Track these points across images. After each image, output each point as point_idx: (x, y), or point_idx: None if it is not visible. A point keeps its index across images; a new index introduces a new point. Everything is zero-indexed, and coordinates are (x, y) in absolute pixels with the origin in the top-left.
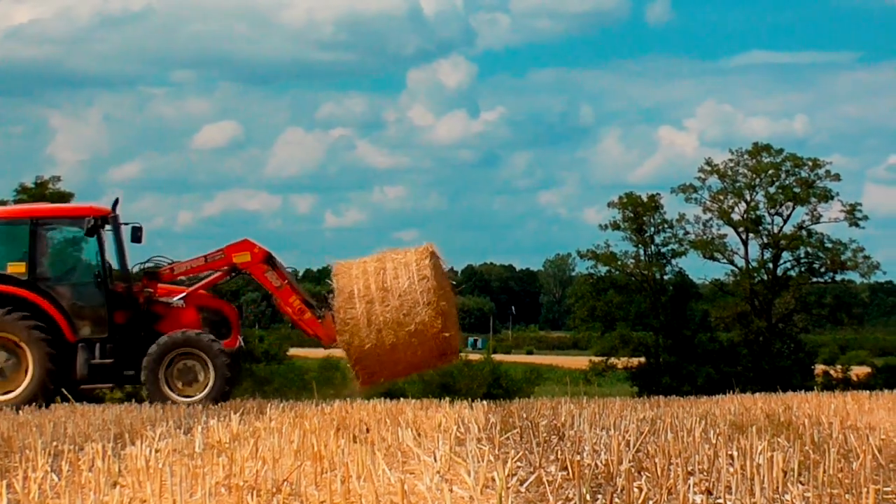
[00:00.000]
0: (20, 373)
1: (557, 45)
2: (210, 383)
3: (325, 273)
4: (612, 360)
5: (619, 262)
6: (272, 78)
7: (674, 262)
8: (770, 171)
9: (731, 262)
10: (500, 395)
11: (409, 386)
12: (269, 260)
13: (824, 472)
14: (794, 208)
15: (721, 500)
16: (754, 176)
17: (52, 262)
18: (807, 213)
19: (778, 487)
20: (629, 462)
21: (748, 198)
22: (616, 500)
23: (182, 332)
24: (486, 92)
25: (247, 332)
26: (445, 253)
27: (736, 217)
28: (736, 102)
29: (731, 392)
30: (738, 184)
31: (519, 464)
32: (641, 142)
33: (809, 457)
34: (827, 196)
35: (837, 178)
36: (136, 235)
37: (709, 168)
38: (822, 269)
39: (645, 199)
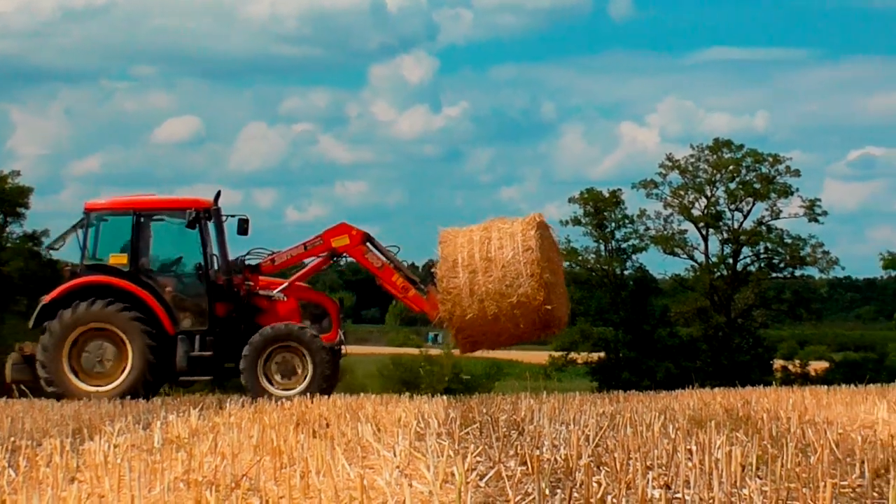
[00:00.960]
0: (120, 364)
1: (520, 40)
2: (308, 377)
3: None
4: (573, 355)
5: (580, 258)
6: (235, 73)
7: (634, 257)
8: (730, 167)
9: (692, 258)
10: (459, 390)
11: (369, 381)
12: (368, 240)
13: (782, 466)
14: (754, 204)
15: (679, 495)
16: (715, 171)
17: (154, 254)
18: (767, 209)
19: (736, 482)
20: (588, 457)
21: (708, 193)
22: (575, 494)
23: (282, 324)
24: (448, 87)
25: None
26: (407, 248)
27: (696, 212)
28: (697, 98)
29: (691, 387)
30: (698, 179)
31: (478, 458)
32: (603, 137)
33: (768, 451)
34: (787, 192)
35: (797, 173)
36: (243, 227)
37: (669, 164)
38: (782, 265)
39: (606, 195)
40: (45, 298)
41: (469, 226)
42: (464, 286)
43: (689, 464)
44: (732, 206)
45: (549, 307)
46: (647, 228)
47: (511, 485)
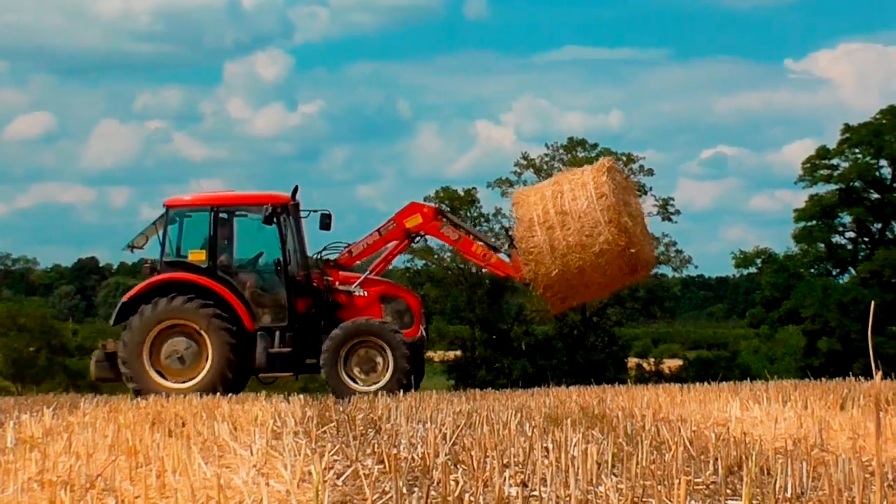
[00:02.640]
0: (200, 361)
1: (376, 38)
2: (389, 373)
3: (140, 266)
4: (429, 353)
5: (436, 256)
6: (87, 69)
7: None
8: (585, 166)
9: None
10: (316, 390)
11: None
12: (441, 215)
13: (637, 463)
14: None
15: (536, 493)
16: (569, 170)
17: (233, 250)
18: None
19: (592, 479)
20: (445, 455)
21: None
22: (432, 492)
23: (362, 319)
24: (304, 85)
25: (59, 325)
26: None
27: None
28: (552, 97)
29: (547, 385)
30: None
31: (336, 457)
32: (458, 136)
33: (623, 449)
34: (641, 190)
35: (651, 172)
36: (325, 223)
37: (525, 162)
38: None
39: (461, 194)
40: (126, 296)
41: (539, 183)
42: (543, 244)
43: (546, 461)
44: None
45: (633, 250)
46: (503, 227)
47: (368, 483)
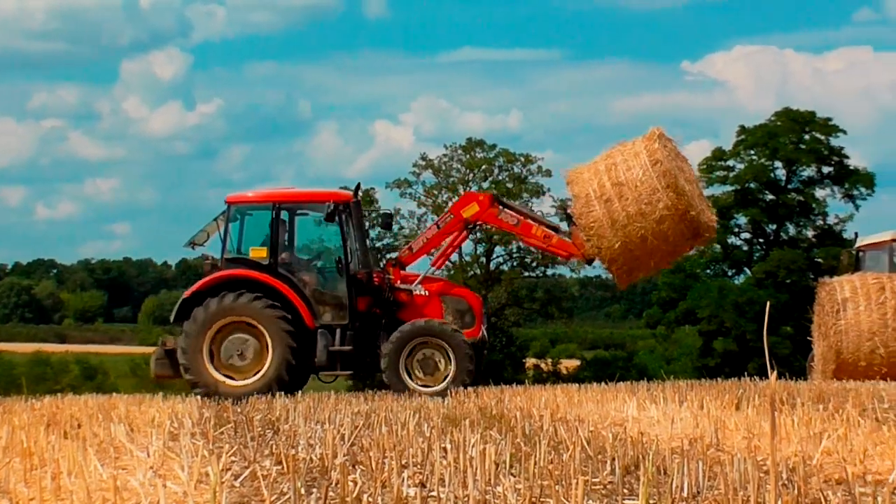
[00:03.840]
0: (260, 358)
1: (274, 37)
2: (451, 373)
3: (35, 266)
4: None
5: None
6: None
7: (388, 255)
8: (483, 167)
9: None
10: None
11: (122, 381)
12: (497, 202)
13: (535, 463)
14: None
15: (434, 493)
16: (468, 171)
17: (294, 248)
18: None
19: (490, 479)
20: (344, 456)
21: (462, 192)
22: (331, 493)
23: (424, 320)
24: (202, 84)
25: None
26: (159, 246)
27: None
28: (451, 98)
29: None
30: (451, 179)
31: (233, 458)
32: (357, 136)
33: (521, 449)
34: (539, 191)
35: (549, 174)
36: (387, 222)
37: (423, 163)
38: (534, 264)
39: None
40: (187, 293)
41: (592, 160)
42: (603, 217)
43: (444, 462)
44: None
45: (692, 213)
46: (401, 227)
47: (266, 484)
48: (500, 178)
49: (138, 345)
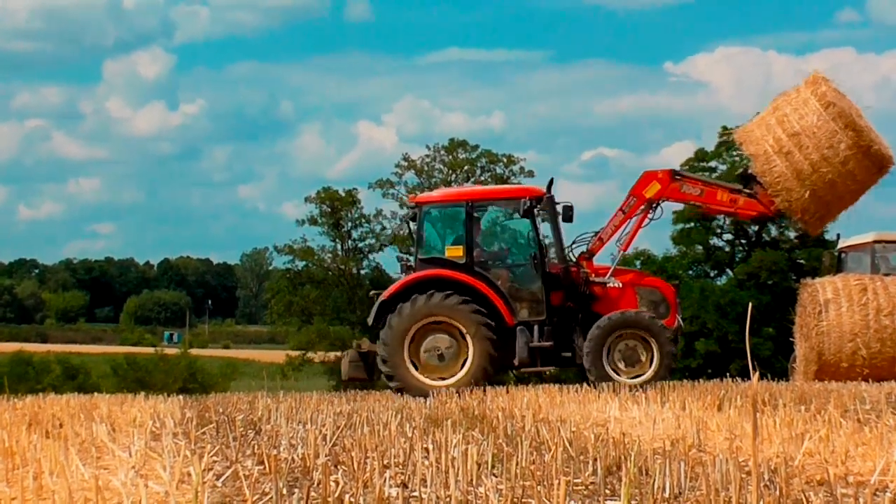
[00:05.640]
0: (460, 357)
1: (258, 38)
2: (655, 363)
3: (17, 266)
4: (310, 354)
5: (317, 257)
6: None
7: (371, 256)
8: (466, 167)
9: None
10: (196, 390)
11: (104, 380)
12: (677, 176)
13: (517, 464)
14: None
15: (416, 493)
16: (450, 171)
17: (489, 245)
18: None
19: (472, 479)
20: (326, 456)
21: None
22: (313, 493)
23: (623, 312)
24: (185, 84)
25: None
26: (139, 248)
27: None
28: (434, 99)
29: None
30: (434, 179)
31: (215, 458)
32: (340, 137)
33: (503, 449)
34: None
35: (532, 174)
36: (568, 215)
37: (406, 163)
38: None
39: (342, 194)
40: (384, 294)
41: (757, 116)
42: (786, 170)
43: (426, 462)
44: None
45: (876, 147)
46: (384, 228)
47: (248, 484)
48: (483, 178)
49: (120, 344)
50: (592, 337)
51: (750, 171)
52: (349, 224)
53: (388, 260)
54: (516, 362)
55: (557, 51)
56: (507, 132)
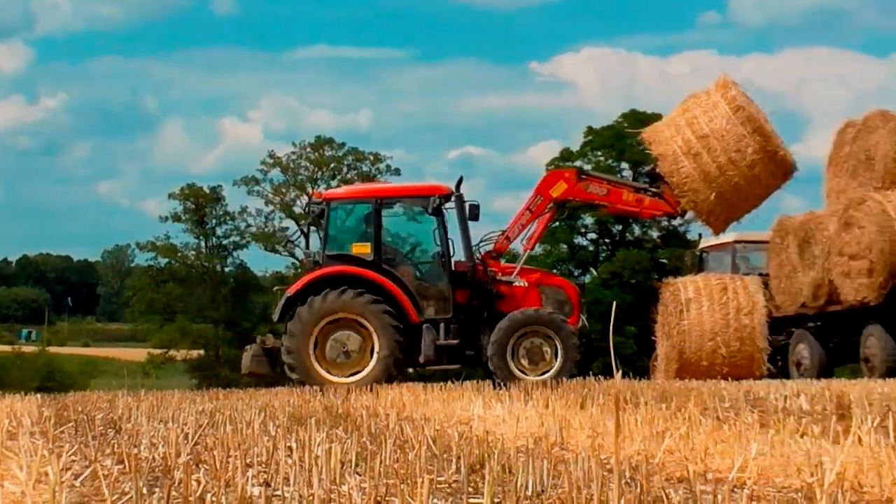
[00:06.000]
0: (365, 354)
1: (121, 32)
2: (559, 362)
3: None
4: (172, 352)
5: (180, 254)
6: None
7: (235, 254)
8: (332, 165)
9: (293, 255)
10: (54, 389)
11: None
12: (583, 175)
13: (381, 462)
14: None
15: (279, 492)
16: (316, 169)
17: (397, 243)
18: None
19: (336, 478)
20: (187, 455)
21: (310, 191)
22: (174, 493)
23: (527, 310)
24: (45, 78)
25: None
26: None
27: (298, 210)
28: (301, 96)
29: (291, 384)
30: (300, 177)
31: (74, 458)
32: (204, 133)
33: (367, 448)
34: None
35: (398, 172)
36: (473, 213)
37: (271, 161)
38: None
39: (207, 191)
40: (290, 290)
41: (666, 116)
42: (694, 172)
43: (290, 461)
44: None
45: (782, 152)
46: (249, 225)
47: (107, 484)
48: (349, 176)
49: None
50: (497, 335)
51: (657, 170)
52: (213, 221)
53: (252, 257)
54: (422, 360)
55: (425, 49)
56: (374, 130)
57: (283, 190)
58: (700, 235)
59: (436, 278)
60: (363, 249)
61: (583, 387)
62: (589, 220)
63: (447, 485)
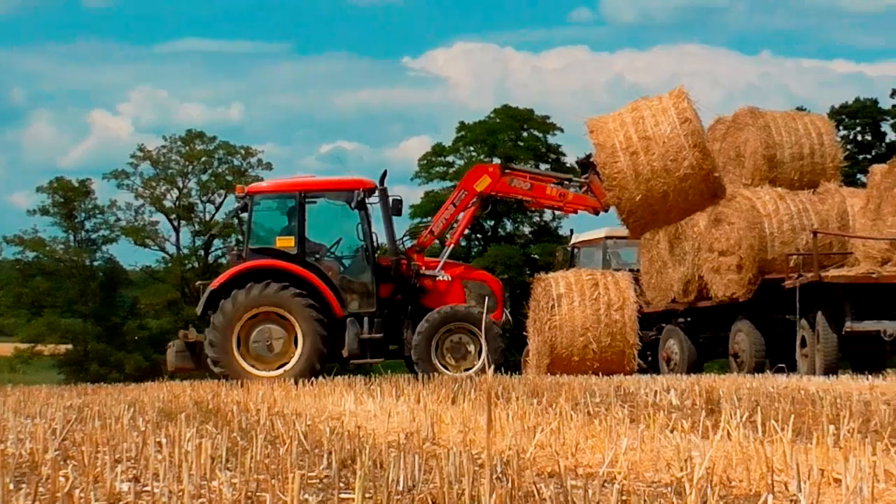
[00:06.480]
0: (289, 348)
1: None
2: (483, 356)
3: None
4: (39, 347)
5: (48, 248)
6: None
7: (104, 248)
8: (203, 159)
9: (163, 249)
10: None
11: None
12: (507, 169)
13: (252, 458)
14: (226, 196)
15: (148, 488)
16: (187, 163)
17: (320, 237)
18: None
19: (206, 474)
20: (55, 451)
21: (181, 185)
22: (41, 489)
23: (452, 306)
24: None
25: None
26: None
27: (168, 204)
28: (171, 89)
29: (161, 379)
30: (170, 171)
31: None
32: (73, 126)
33: (238, 443)
34: None
35: (269, 166)
36: (396, 208)
37: (141, 154)
38: None
39: (76, 185)
40: (213, 284)
41: (616, 110)
42: (627, 169)
43: (159, 456)
44: (204, 198)
45: (716, 174)
46: (118, 219)
47: None
48: (220, 170)
49: None
50: (422, 330)
51: (592, 159)
52: (82, 215)
53: (122, 251)
54: (345, 354)
55: (297, 43)
56: (246, 124)
57: (154, 184)
58: (571, 231)
59: (360, 272)
60: (287, 243)
61: (454, 382)
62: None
63: (318, 480)
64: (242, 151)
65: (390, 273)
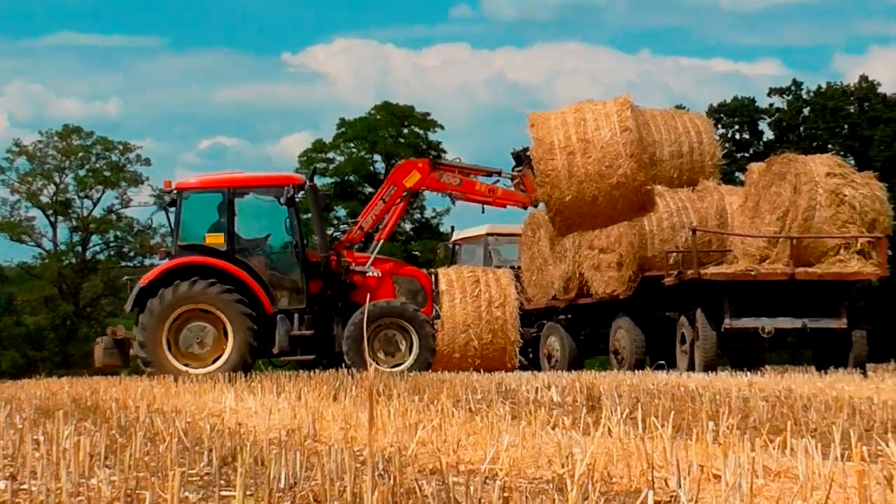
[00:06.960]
0: (219, 345)
1: None
2: (415, 352)
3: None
4: None
5: None
6: None
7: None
8: (80, 154)
9: (39, 245)
10: None
11: None
12: (436, 164)
13: (131, 455)
14: (104, 192)
15: (26, 486)
16: (64, 158)
17: (249, 233)
18: (117, 197)
19: (84, 471)
20: None
21: (58, 180)
22: None
23: (384, 301)
24: None
25: None
26: None
27: (45, 199)
28: (47, 83)
29: (38, 376)
30: (47, 166)
31: None
32: None
33: (116, 440)
34: (137, 180)
35: (148, 162)
36: (326, 204)
37: (17, 149)
38: (132, 253)
39: None
40: (143, 280)
41: (559, 109)
42: (562, 168)
43: (37, 454)
44: (82, 194)
45: (648, 188)
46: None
47: None
48: (98, 165)
49: None
50: (352, 326)
51: (528, 153)
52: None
53: None
54: (276, 350)
55: (175, 37)
56: (124, 119)
57: (30, 179)
58: (452, 228)
59: (289, 268)
60: (216, 240)
61: (336, 379)
62: (342, 211)
63: (199, 477)
64: (120, 147)
65: (320, 269)
